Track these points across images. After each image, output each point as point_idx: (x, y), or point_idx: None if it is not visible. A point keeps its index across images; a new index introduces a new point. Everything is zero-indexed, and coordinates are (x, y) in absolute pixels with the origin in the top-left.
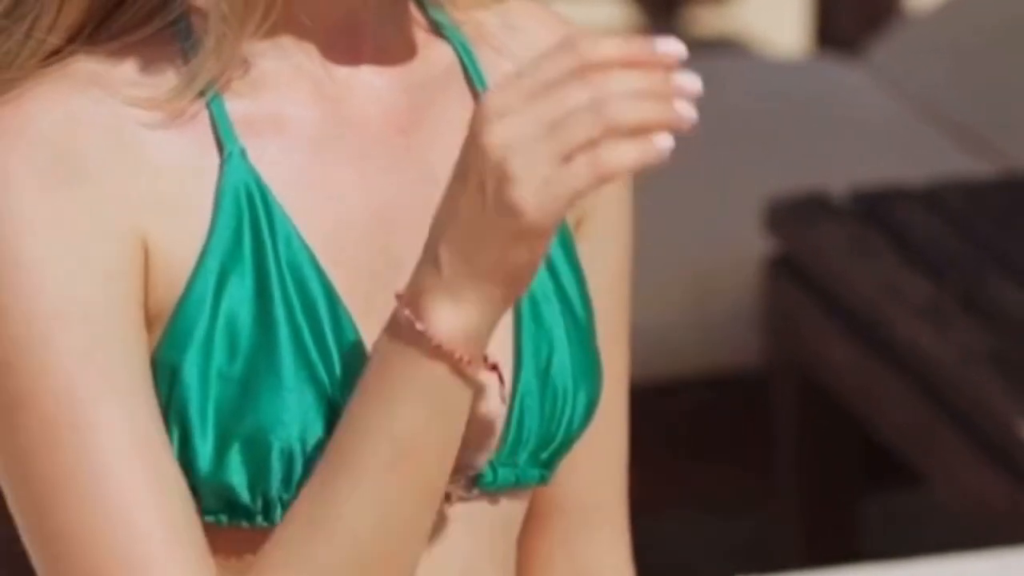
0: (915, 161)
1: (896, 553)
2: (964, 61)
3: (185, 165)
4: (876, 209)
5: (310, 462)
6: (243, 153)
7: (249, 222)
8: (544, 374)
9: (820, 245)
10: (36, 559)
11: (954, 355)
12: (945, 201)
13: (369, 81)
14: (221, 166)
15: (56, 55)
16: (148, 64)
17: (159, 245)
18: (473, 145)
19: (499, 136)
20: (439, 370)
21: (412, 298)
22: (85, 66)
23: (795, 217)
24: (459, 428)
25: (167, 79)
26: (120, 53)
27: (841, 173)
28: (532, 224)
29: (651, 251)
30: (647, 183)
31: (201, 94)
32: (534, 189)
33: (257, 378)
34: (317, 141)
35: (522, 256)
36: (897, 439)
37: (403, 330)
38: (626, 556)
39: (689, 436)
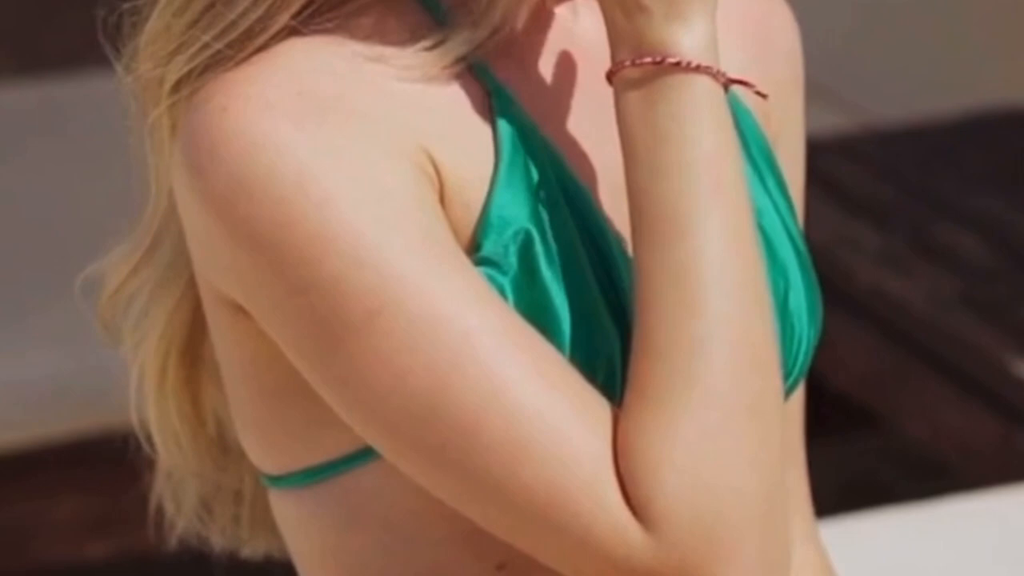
0: None
1: (849, 502)
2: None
3: (456, 105)
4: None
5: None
6: (510, 98)
7: (525, 162)
8: (783, 310)
9: None
10: (439, 476)
11: (923, 300)
12: (864, 152)
13: (592, 35)
14: (492, 110)
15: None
16: (393, 26)
17: (447, 168)
18: None
19: None
20: (702, 84)
21: (640, 48)
22: (334, 35)
23: None
24: (736, 139)
25: (421, 43)
26: (366, 21)
27: None
28: None
29: None
30: None
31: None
32: None
33: (555, 305)
34: (568, 91)
35: None
36: (859, 389)
37: (653, 77)
38: (821, 547)
39: None
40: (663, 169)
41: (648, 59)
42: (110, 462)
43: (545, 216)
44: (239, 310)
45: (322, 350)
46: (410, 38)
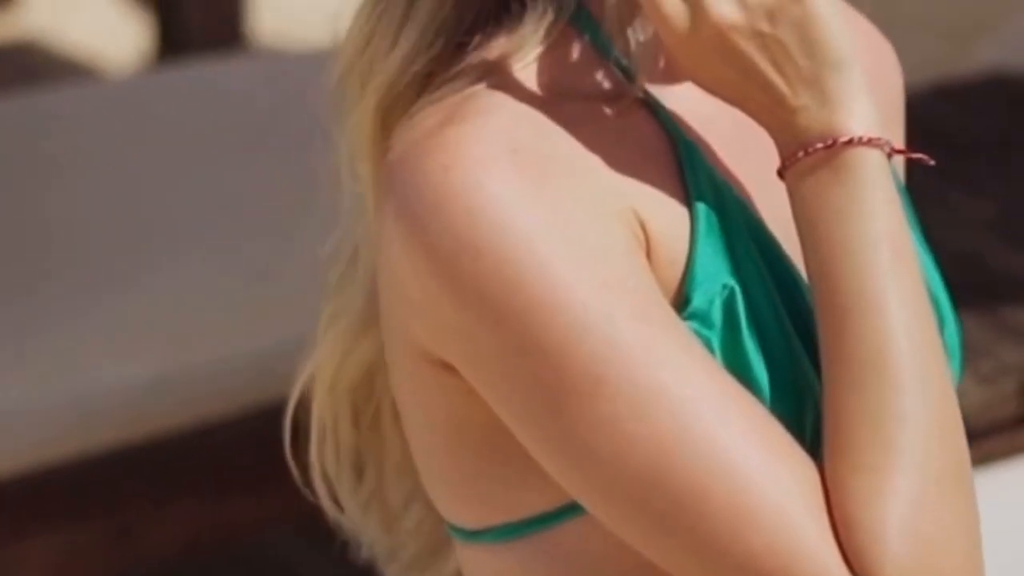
0: None
1: None
2: None
3: (650, 158)
4: None
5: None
6: (695, 146)
7: (717, 211)
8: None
9: None
10: (656, 540)
11: None
12: None
13: None
14: (677, 157)
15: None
16: (571, 64)
17: (652, 225)
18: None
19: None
20: (874, 157)
21: (807, 139)
22: (513, 77)
23: None
24: (900, 203)
25: (599, 78)
26: (546, 61)
27: None
28: None
29: None
30: None
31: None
32: None
33: (750, 354)
34: (722, 135)
35: (802, 17)
36: None
37: (826, 161)
38: None
39: None
40: (845, 247)
41: (819, 145)
42: None
43: (742, 266)
44: (447, 368)
45: (542, 412)
46: (594, 74)
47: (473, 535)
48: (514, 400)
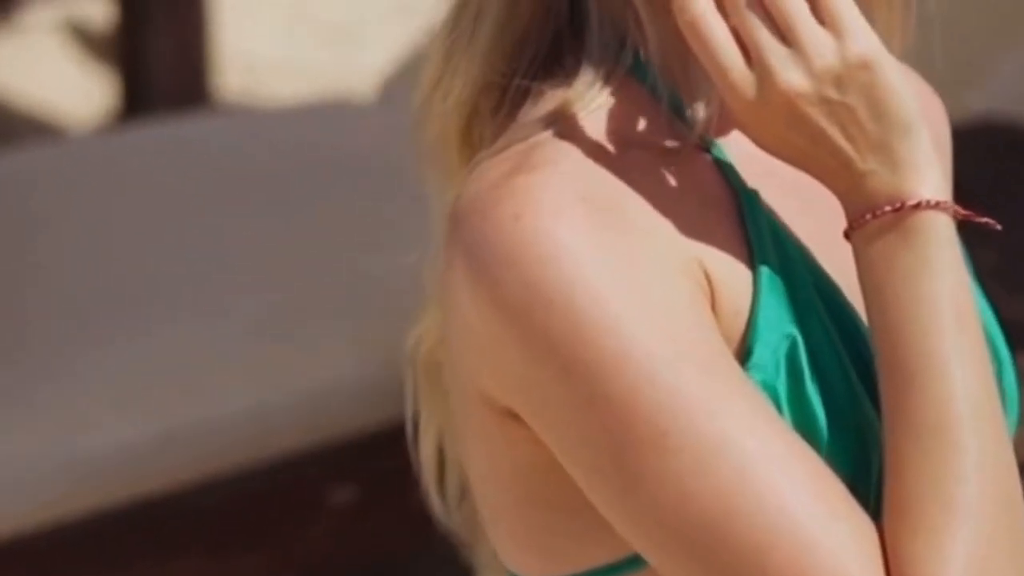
0: None
1: None
2: None
3: (712, 208)
4: None
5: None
6: (757, 195)
7: (779, 261)
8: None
9: None
10: None
11: None
12: None
13: None
14: (739, 206)
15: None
16: (631, 112)
17: (716, 277)
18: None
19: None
20: (941, 221)
21: (876, 203)
22: (578, 126)
23: None
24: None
25: (660, 126)
26: (597, 105)
27: None
28: (864, 54)
29: (383, 300)
30: None
31: (701, 138)
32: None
33: (815, 407)
34: (784, 183)
35: (870, 83)
36: None
37: (894, 223)
38: None
39: None
40: (912, 311)
41: (888, 208)
42: None
43: (804, 315)
44: (513, 416)
45: (607, 463)
46: (654, 123)
47: None
48: (579, 451)
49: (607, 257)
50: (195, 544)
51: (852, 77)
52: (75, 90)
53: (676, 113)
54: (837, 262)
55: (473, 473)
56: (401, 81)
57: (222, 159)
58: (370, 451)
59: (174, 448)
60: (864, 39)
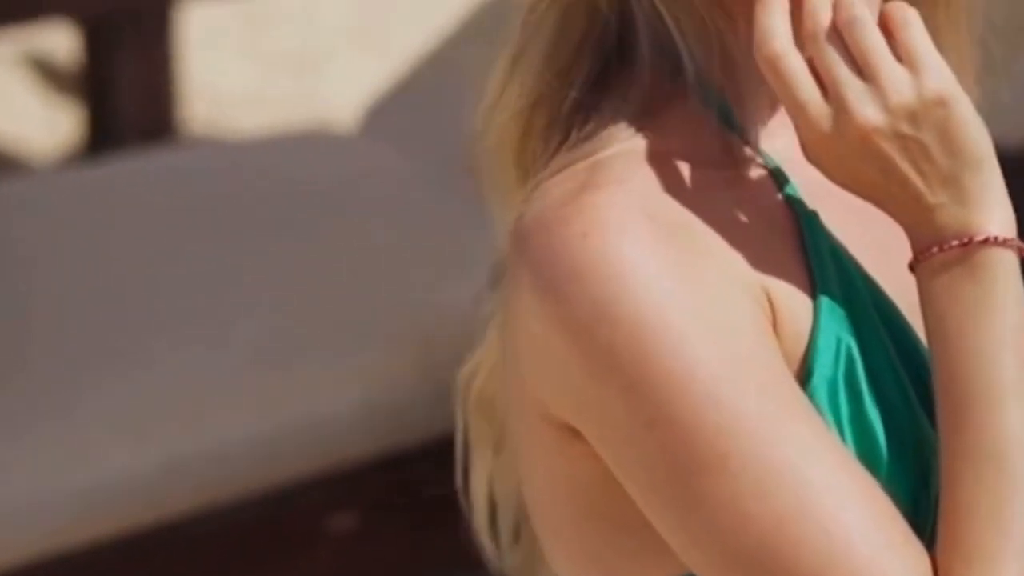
0: None
1: None
2: None
3: (774, 229)
4: None
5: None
6: (817, 216)
7: (839, 281)
8: None
9: None
10: None
11: None
12: None
13: None
14: (799, 227)
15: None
16: (694, 131)
17: (778, 298)
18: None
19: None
20: (1008, 258)
21: (943, 235)
22: (641, 143)
23: None
24: None
25: (721, 145)
26: (672, 126)
27: None
28: (940, 90)
29: (377, 328)
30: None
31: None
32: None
33: (875, 427)
34: (845, 204)
35: (944, 119)
36: None
37: (961, 258)
38: None
39: (431, 502)
40: (974, 344)
41: (955, 243)
42: None
43: (864, 337)
44: (572, 433)
45: (665, 483)
46: (716, 142)
47: None
48: (638, 469)
49: (673, 276)
50: (196, 573)
51: (927, 113)
52: (39, 123)
53: (738, 134)
54: (895, 285)
55: (531, 493)
56: (382, 111)
57: (200, 189)
58: (371, 478)
59: (175, 478)
60: (940, 76)
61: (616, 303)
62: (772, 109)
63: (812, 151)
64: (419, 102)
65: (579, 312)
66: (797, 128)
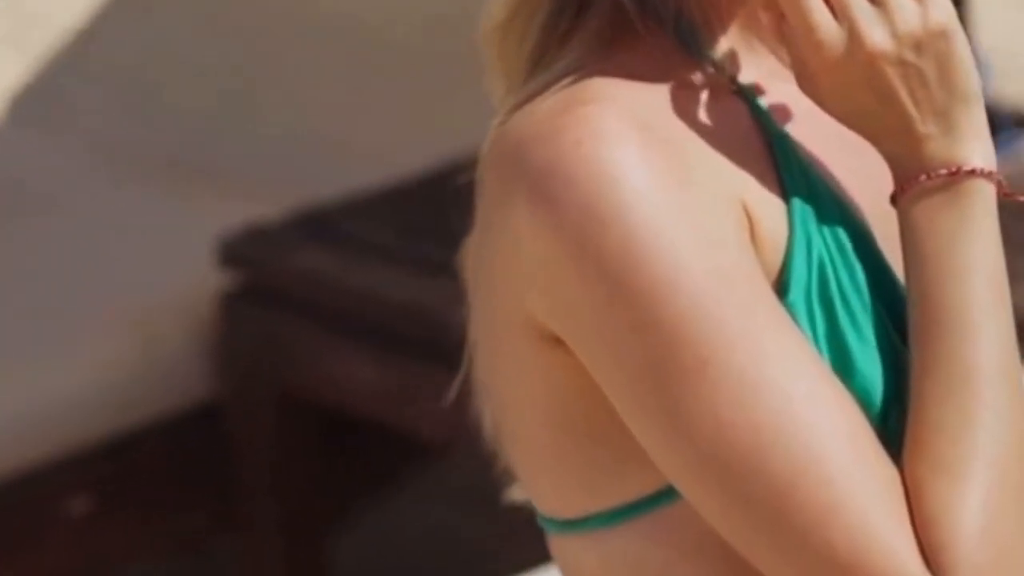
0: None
1: None
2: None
3: (745, 143)
4: (324, 227)
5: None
6: (787, 138)
7: (809, 197)
8: None
9: (302, 267)
10: (739, 525)
11: None
12: (378, 211)
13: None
14: (770, 145)
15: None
16: (667, 56)
17: (756, 214)
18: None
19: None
20: (989, 189)
21: (930, 165)
22: (620, 64)
23: (258, 246)
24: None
25: (694, 69)
26: (635, 45)
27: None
28: (944, 22)
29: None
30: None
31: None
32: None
33: (848, 338)
34: (816, 126)
35: (945, 51)
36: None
37: (945, 186)
38: None
39: (154, 486)
40: (951, 269)
41: (943, 171)
42: None
43: (837, 257)
44: (554, 342)
45: (647, 388)
46: (689, 66)
47: (569, 525)
48: (620, 374)
49: (664, 185)
50: None
51: (930, 43)
52: None
53: (710, 61)
54: (871, 215)
55: (508, 420)
56: (27, 103)
57: None
58: (101, 462)
59: None
60: (944, 9)
61: (606, 208)
62: (744, 41)
63: (812, 79)
64: (64, 88)
65: (570, 216)
66: (801, 55)
